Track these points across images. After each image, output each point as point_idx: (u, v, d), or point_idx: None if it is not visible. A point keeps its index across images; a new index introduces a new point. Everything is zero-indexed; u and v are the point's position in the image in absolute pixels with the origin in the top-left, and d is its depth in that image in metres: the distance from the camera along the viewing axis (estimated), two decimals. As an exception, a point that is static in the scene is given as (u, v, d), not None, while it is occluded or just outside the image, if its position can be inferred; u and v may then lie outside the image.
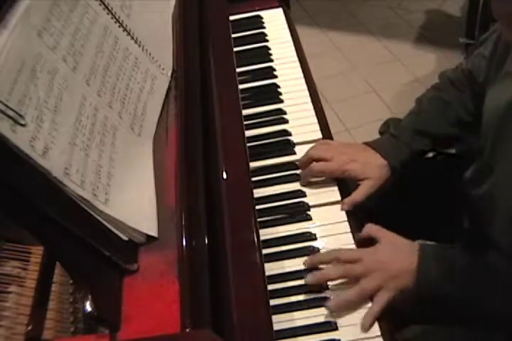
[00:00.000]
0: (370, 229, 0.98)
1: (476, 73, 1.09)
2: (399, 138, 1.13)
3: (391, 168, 1.10)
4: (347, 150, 1.11)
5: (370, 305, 0.90)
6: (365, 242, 0.98)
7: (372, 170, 1.08)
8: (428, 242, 1.18)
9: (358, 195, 1.06)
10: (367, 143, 1.13)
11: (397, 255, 0.94)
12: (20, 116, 0.71)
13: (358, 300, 0.90)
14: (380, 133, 1.18)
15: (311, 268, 0.94)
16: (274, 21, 1.43)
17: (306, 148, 1.12)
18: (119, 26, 0.99)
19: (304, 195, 1.06)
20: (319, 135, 1.16)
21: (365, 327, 0.87)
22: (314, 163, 1.07)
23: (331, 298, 0.91)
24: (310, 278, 0.91)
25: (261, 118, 1.21)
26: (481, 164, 1.03)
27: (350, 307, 0.90)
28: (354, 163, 1.08)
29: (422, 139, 1.13)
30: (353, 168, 1.07)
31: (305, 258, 0.96)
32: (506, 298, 0.90)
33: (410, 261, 0.92)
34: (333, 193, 1.06)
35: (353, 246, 0.99)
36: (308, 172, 1.07)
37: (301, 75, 1.28)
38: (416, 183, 1.23)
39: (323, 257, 0.95)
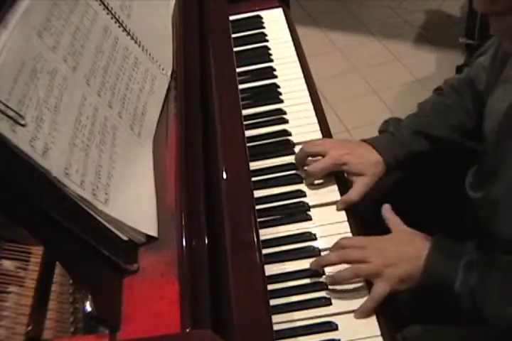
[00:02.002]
0: (389, 215, 1.00)
1: (477, 82, 1.09)
2: (397, 136, 1.12)
3: (386, 165, 1.09)
4: (342, 145, 1.11)
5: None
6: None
7: (367, 166, 1.08)
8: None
9: (353, 194, 1.06)
10: (364, 140, 1.13)
11: (402, 247, 0.94)
12: (20, 116, 0.71)
13: (351, 278, 0.92)
14: (380, 132, 1.18)
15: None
16: (274, 21, 1.43)
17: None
18: (119, 26, 0.99)
19: (304, 195, 1.06)
20: (319, 135, 1.16)
21: (361, 316, 0.89)
22: (310, 165, 1.08)
23: (328, 275, 0.93)
24: (313, 264, 0.94)
25: (261, 118, 1.21)
26: (483, 169, 1.02)
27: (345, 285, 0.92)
28: (350, 156, 1.08)
29: (420, 140, 1.12)
30: (350, 160, 1.07)
31: (305, 258, 0.96)
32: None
33: (415, 249, 0.93)
34: (333, 193, 1.06)
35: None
36: (309, 177, 1.08)
37: (301, 75, 1.28)
38: (416, 185, 1.23)
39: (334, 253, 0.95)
